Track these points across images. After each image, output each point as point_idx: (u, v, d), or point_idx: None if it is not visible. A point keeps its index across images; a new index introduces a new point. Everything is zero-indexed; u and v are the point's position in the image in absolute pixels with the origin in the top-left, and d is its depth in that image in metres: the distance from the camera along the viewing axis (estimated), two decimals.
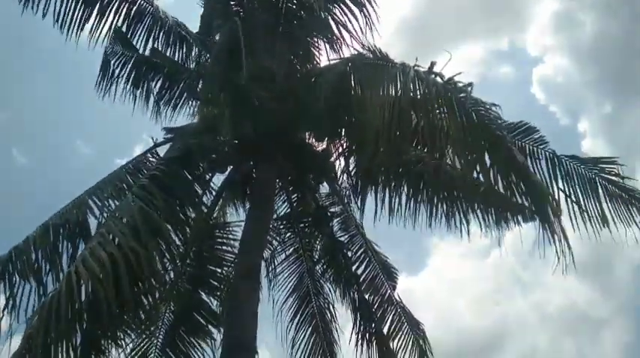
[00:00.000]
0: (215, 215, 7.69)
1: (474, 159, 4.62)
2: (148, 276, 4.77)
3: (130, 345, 6.00)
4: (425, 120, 4.78)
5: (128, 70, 7.34)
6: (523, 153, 6.13)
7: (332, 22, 7.39)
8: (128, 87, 7.42)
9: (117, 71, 7.35)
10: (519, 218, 6.83)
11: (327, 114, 5.98)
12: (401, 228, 6.65)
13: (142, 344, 6.25)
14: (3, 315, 4.87)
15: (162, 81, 7.47)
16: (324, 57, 7.52)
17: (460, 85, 4.66)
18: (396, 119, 4.80)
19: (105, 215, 5.34)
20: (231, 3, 7.20)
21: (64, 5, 6.21)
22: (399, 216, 6.58)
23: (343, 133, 6.57)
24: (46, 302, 4.06)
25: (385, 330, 7.36)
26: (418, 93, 4.72)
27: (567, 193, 5.97)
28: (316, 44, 7.63)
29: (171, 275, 6.38)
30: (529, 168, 4.85)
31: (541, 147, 6.16)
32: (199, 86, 6.96)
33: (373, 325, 7.33)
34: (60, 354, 3.97)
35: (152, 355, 6.31)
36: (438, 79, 4.72)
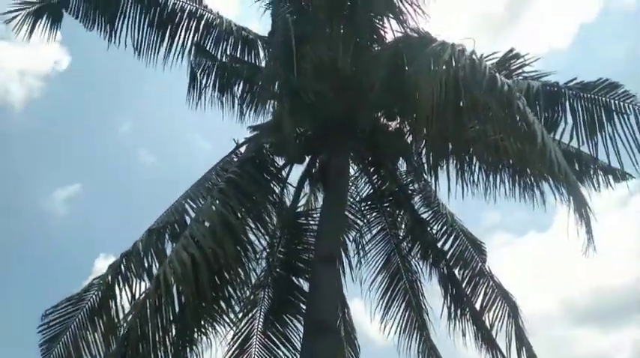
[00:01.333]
0: (305, 201, 8.18)
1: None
2: (230, 273, 5.30)
3: (233, 330, 6.68)
4: (464, 98, 4.69)
5: (213, 78, 7.97)
6: (608, 109, 5.73)
7: None
8: (215, 94, 8.06)
9: (203, 81, 8.02)
10: (609, 178, 6.38)
11: (385, 96, 6.07)
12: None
13: (243, 329, 6.91)
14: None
15: (243, 84, 8.00)
16: (391, 35, 7.55)
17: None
18: (442, 97, 4.79)
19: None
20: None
21: (140, 34, 6.94)
22: (477, 189, 6.48)
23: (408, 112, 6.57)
24: (139, 301, 4.77)
25: (478, 303, 7.33)
26: (452, 71, 4.67)
27: None
28: (381, 24, 7.62)
29: (263, 265, 7.04)
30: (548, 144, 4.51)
31: (628, 101, 5.66)
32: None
33: (464, 299, 7.32)
34: (157, 344, 4.66)
35: (254, 337, 6.97)
36: (473, 57, 4.60)
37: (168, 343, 4.83)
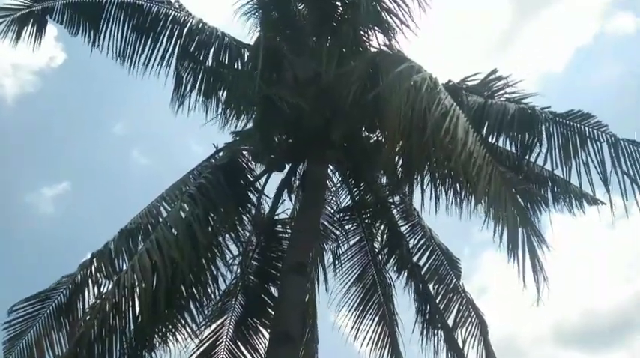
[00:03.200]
0: (291, 210, 8.15)
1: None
2: (191, 281, 5.35)
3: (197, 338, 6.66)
4: (429, 121, 4.72)
5: (198, 82, 7.99)
6: (582, 136, 5.71)
7: (381, 11, 7.41)
8: (200, 98, 8.08)
9: (189, 85, 8.05)
10: (583, 202, 6.39)
11: (359, 109, 6.12)
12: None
13: (209, 336, 6.90)
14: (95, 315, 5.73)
15: (228, 90, 8.02)
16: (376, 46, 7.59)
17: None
18: (408, 119, 4.85)
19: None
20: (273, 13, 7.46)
21: (124, 40, 7.01)
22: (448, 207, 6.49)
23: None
24: (98, 303, 4.83)
25: (451, 319, 7.32)
26: (412, 97, 4.75)
27: (632, 177, 5.41)
28: (367, 37, 7.67)
29: (237, 270, 7.07)
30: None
31: (601, 130, 5.65)
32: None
33: (437, 315, 7.32)
34: (113, 348, 4.71)
35: (221, 344, 6.98)
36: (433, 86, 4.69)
37: (125, 347, 4.86)
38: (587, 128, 5.71)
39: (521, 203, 5.51)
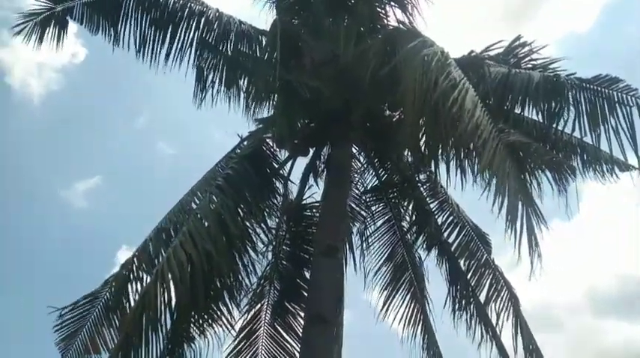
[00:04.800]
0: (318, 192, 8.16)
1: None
2: (224, 274, 5.46)
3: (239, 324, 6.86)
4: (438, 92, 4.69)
5: (219, 72, 8.00)
6: (610, 101, 5.56)
7: None
8: (222, 88, 8.10)
9: (210, 76, 8.07)
10: (615, 169, 6.26)
11: (379, 87, 6.10)
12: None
13: (249, 321, 7.05)
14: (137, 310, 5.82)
15: (248, 78, 8.05)
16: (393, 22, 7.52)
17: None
18: (422, 94, 4.84)
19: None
20: None
21: (143, 35, 7.06)
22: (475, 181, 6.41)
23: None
24: (140, 296, 4.98)
25: (483, 294, 7.31)
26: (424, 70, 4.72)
27: None
28: (384, 12, 7.59)
29: (270, 257, 7.17)
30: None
31: (630, 94, 5.48)
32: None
33: (469, 291, 7.31)
34: (151, 341, 4.87)
35: (261, 329, 7.14)
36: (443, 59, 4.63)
37: (164, 339, 5.02)
38: (615, 93, 5.55)
39: (523, 179, 5.46)
